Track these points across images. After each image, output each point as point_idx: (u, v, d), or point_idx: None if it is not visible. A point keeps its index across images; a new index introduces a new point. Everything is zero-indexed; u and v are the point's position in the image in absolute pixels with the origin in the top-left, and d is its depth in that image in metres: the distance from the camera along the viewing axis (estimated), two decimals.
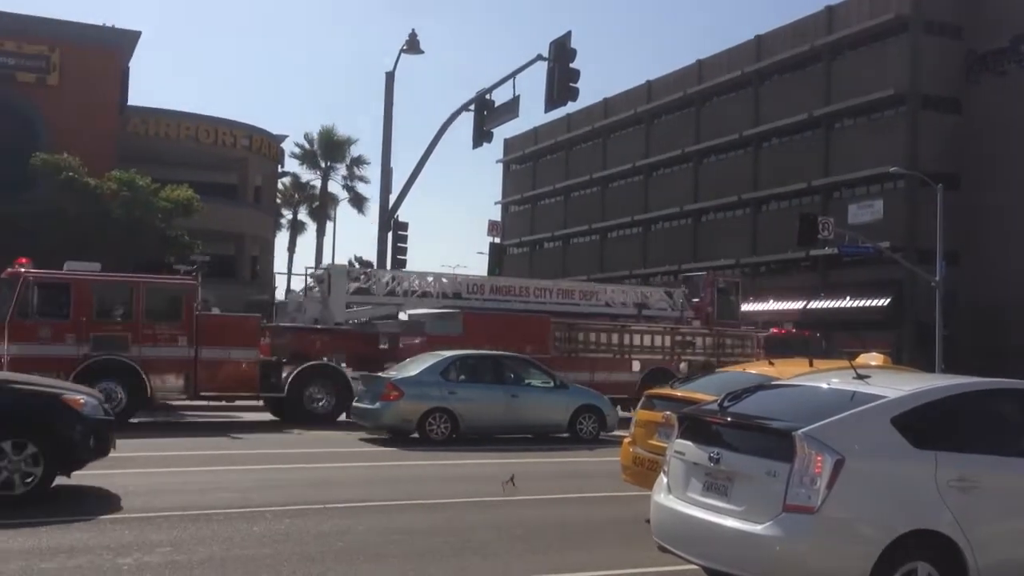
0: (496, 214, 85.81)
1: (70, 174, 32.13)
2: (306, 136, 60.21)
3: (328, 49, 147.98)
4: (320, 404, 20.01)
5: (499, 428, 17.63)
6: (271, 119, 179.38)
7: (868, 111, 52.90)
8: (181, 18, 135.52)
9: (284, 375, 19.99)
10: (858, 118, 53.83)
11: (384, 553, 8.09)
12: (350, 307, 23.68)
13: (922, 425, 6.09)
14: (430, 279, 25.13)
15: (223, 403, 20.28)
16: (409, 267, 29.14)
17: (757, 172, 59.82)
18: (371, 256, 38.66)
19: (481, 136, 27.38)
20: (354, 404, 18.21)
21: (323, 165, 60.47)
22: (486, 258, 37.36)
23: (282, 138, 54.47)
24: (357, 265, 56.04)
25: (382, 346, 22.35)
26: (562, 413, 18.05)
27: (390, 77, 29.68)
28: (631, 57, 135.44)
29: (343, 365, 21.19)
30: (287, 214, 63.50)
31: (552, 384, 18.57)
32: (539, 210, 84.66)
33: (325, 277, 23.38)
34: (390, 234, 29.06)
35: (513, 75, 26.20)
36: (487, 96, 27.30)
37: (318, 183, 61.54)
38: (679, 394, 9.82)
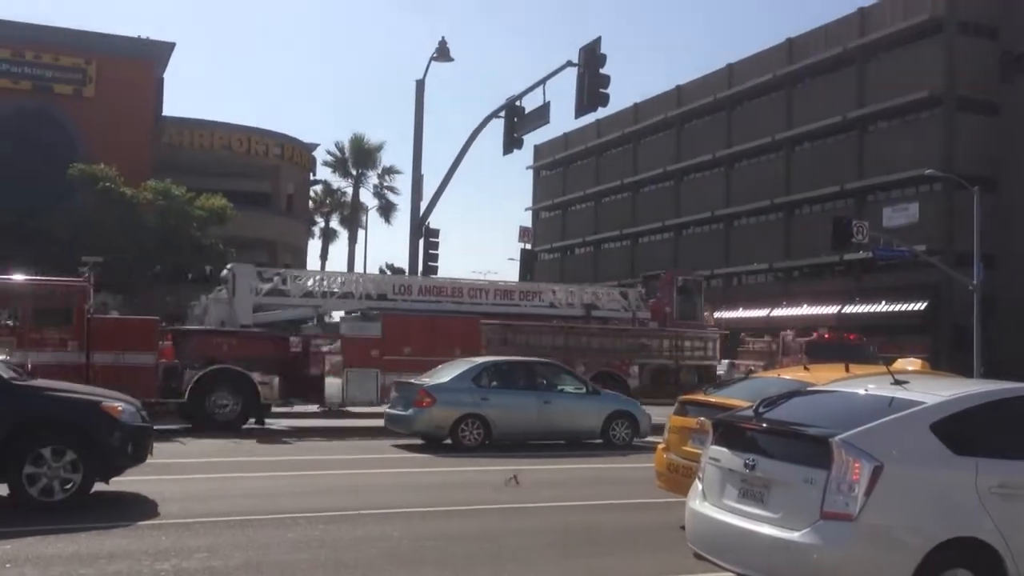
0: (527, 220, 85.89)
1: (107, 184, 32.57)
2: (337, 144, 60.64)
3: (358, 57, 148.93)
4: (224, 410, 19.18)
5: (532, 434, 17.61)
6: (302, 127, 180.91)
7: (902, 113, 52.38)
8: (214, 29, 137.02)
9: (186, 380, 19.19)
10: (892, 120, 53.32)
11: (419, 559, 8.10)
12: (267, 309, 22.76)
13: (962, 431, 6.00)
14: (352, 279, 24.36)
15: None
16: (441, 273, 29.23)
17: (790, 176, 59.42)
18: (403, 263, 38.86)
19: (512, 143, 27.42)
20: (386, 411, 18.25)
21: (354, 173, 60.84)
22: (517, 264, 37.48)
23: (313, 146, 54.90)
24: (389, 272, 56.27)
25: (293, 349, 21.25)
26: (595, 419, 17.99)
27: (420, 85, 29.81)
28: (661, 62, 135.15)
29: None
30: (319, 222, 63.94)
31: (585, 390, 18.52)
32: (570, 216, 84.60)
33: (229, 277, 22.43)
34: (421, 241, 29.18)
35: (543, 81, 26.24)
36: (517, 103, 27.36)
37: (349, 191, 61.96)
38: (713, 400, 9.76)
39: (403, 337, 21.15)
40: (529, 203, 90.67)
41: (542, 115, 26.62)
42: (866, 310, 51.05)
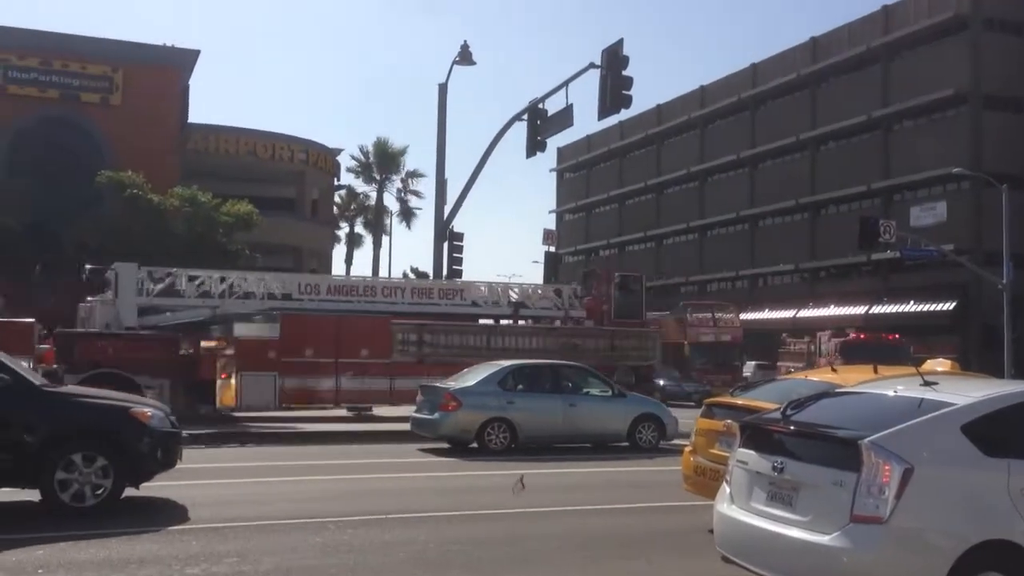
0: (550, 223, 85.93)
1: (134, 191, 32.88)
2: (361, 149, 60.93)
3: (381, 62, 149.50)
4: None
5: (558, 438, 17.60)
6: (326, 133, 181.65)
7: (928, 112, 51.96)
8: (238, 36, 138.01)
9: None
10: (918, 119, 52.90)
11: (447, 563, 8.12)
12: (159, 312, 21.90)
13: (993, 433, 5.93)
14: (254, 279, 23.41)
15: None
16: (465, 277, 29.23)
17: (815, 176, 59.08)
18: (427, 267, 38.96)
19: (535, 146, 27.41)
20: (412, 415, 18.29)
21: (378, 177, 61.10)
22: (541, 267, 37.44)
23: (338, 151, 55.19)
24: (414, 276, 56.39)
25: (183, 351, 20.52)
26: (621, 422, 17.95)
27: (443, 89, 29.89)
28: (684, 62, 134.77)
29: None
30: (344, 226, 64.25)
31: (611, 393, 18.49)
32: (594, 218, 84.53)
33: (112, 277, 21.57)
34: (445, 245, 29.23)
35: (565, 84, 26.22)
36: (540, 105, 27.34)
37: (373, 195, 62.24)
38: (740, 402, 9.72)
39: (304, 338, 20.15)
40: (553, 206, 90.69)
41: (565, 117, 26.60)
42: (894, 310, 50.65)
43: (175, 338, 20.80)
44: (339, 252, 63.08)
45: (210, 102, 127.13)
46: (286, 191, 49.62)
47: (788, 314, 57.36)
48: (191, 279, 22.70)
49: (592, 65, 25.05)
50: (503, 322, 25.19)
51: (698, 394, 33.94)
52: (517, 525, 9.96)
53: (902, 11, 53.86)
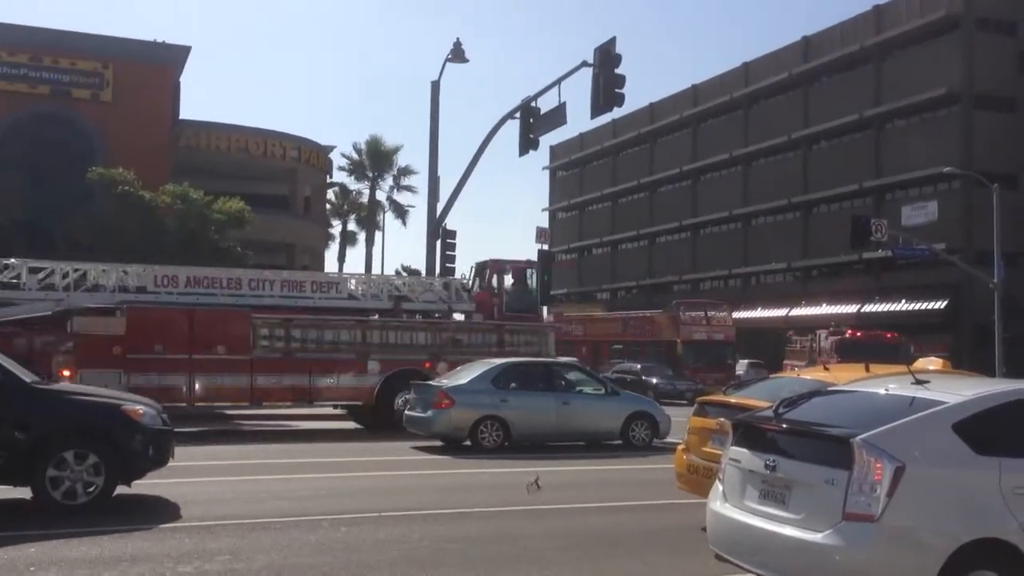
0: (544, 221, 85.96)
1: (126, 188, 32.75)
2: (354, 146, 60.83)
3: (374, 59, 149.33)
4: None
5: (551, 436, 17.61)
6: (319, 130, 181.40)
7: (920, 111, 52.13)
8: (229, 32, 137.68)
9: None
10: (910, 118, 53.07)
11: (440, 562, 8.11)
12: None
13: (985, 431, 5.96)
14: (103, 270, 22.00)
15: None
16: (457, 275, 29.19)
17: (807, 174, 59.22)
18: (420, 265, 38.92)
19: (528, 144, 27.40)
20: (406, 412, 18.28)
21: (371, 175, 61.01)
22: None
23: (330, 148, 55.02)
24: (406, 274, 56.28)
25: (18, 348, 19.18)
26: (614, 420, 17.97)
27: (435, 86, 29.86)
28: (677, 61, 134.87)
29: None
30: (336, 224, 64.15)
31: (604, 391, 18.53)
32: (587, 216, 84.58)
33: None
34: (438, 242, 29.21)
35: (558, 82, 26.22)
36: (533, 103, 27.34)
37: (366, 193, 62.14)
38: (733, 401, 9.74)
39: (153, 333, 18.72)
40: (546, 204, 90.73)
41: (558, 116, 26.59)
42: (886, 309, 50.81)
43: (8, 333, 19.57)
44: (332, 250, 62.99)
45: (202, 99, 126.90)
46: (278, 188, 49.48)
47: (780, 313, 57.51)
48: (33, 271, 21.24)
49: (585, 63, 25.04)
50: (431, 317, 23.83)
51: (691, 392, 34.01)
52: (510, 523, 9.97)
53: (894, 11, 54.00)
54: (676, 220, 70.29)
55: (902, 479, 5.58)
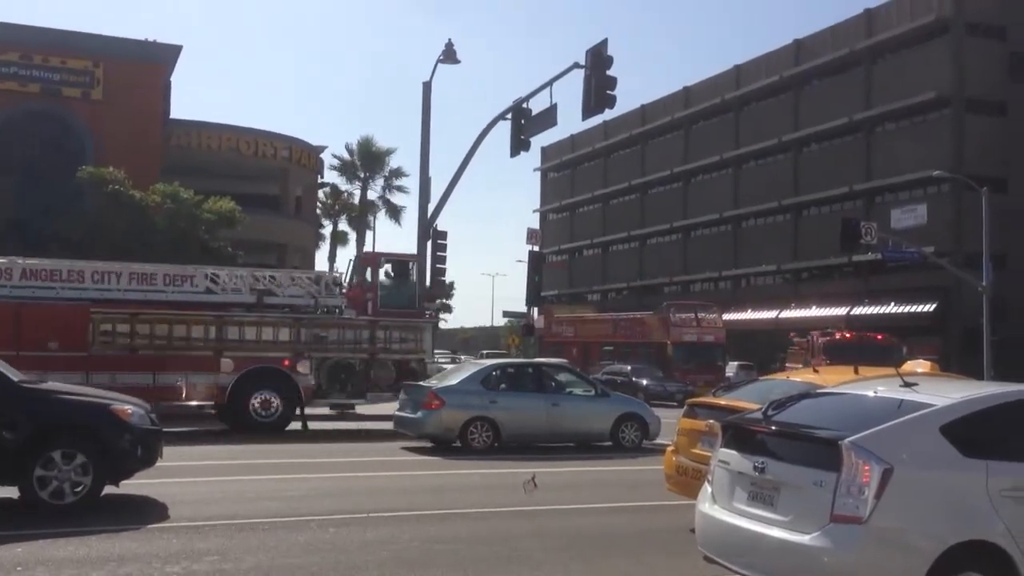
0: (535, 222, 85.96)
1: (116, 187, 32.64)
2: (346, 146, 60.77)
3: (365, 60, 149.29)
4: None
5: (541, 437, 17.62)
6: (310, 130, 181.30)
7: (910, 114, 52.34)
8: (221, 32, 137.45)
9: None
10: (900, 122, 53.27)
11: (430, 563, 8.11)
12: None
13: (972, 434, 5.99)
14: None
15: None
16: (449, 276, 29.16)
17: (798, 177, 59.40)
18: None
19: (519, 145, 27.36)
20: (395, 413, 18.26)
21: (362, 176, 60.96)
22: (525, 266, 37.44)
23: (321, 149, 54.95)
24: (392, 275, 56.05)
25: None
26: (604, 421, 17.99)
27: (427, 87, 29.81)
28: (668, 63, 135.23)
29: None
30: (327, 224, 64.04)
31: (594, 392, 18.56)
32: (577, 218, 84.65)
33: None
34: (429, 243, 29.18)
35: (550, 83, 26.17)
36: (524, 105, 27.29)
37: (357, 193, 62.05)
38: (722, 402, 9.76)
39: None
40: (537, 205, 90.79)
41: (549, 117, 26.56)
42: (875, 311, 50.99)
43: None
44: (323, 250, 62.88)
45: (193, 98, 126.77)
46: (269, 188, 49.37)
47: (770, 315, 57.65)
48: None
49: (576, 65, 25.02)
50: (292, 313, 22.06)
51: (681, 394, 34.04)
52: (500, 524, 9.96)
53: (885, 14, 54.20)
54: (667, 222, 70.43)
55: (890, 481, 5.61)
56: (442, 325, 63.45)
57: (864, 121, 54.35)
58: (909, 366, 10.75)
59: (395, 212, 62.07)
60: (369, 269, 23.99)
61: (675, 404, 31.11)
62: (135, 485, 10.72)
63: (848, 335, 34.35)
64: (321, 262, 62.86)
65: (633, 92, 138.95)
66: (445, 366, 36.28)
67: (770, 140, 60.55)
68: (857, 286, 53.72)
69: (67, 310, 18.99)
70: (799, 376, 10.40)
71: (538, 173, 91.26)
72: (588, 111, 24.93)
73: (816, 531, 5.72)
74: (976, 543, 5.69)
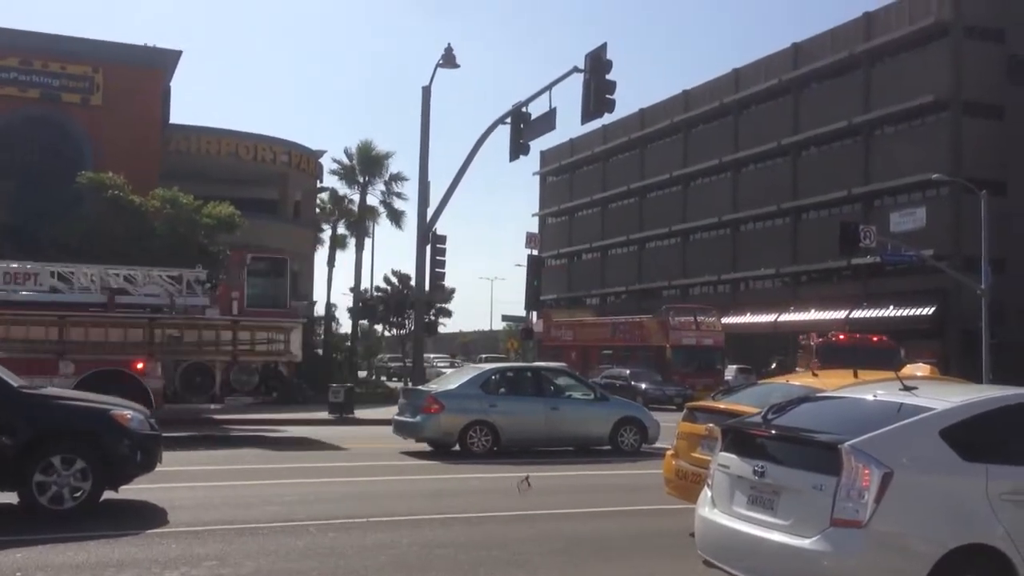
0: (533, 226, 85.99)
1: (115, 192, 32.65)
2: (345, 151, 60.72)
3: (364, 64, 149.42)
4: None
5: (540, 441, 17.62)
6: (309, 135, 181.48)
7: (909, 118, 52.39)
8: (220, 37, 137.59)
9: None
10: (899, 125, 53.33)
11: (428, 567, 8.10)
12: None
13: (972, 437, 5.99)
14: None
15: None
16: (448, 280, 29.16)
17: (796, 181, 59.45)
18: (410, 270, 38.88)
19: (518, 149, 27.42)
20: (395, 417, 18.26)
21: (361, 180, 60.91)
22: (524, 270, 37.46)
23: (320, 153, 54.92)
24: (395, 279, 56.14)
25: None
26: (603, 425, 17.99)
27: (426, 91, 29.86)
28: (667, 67, 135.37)
29: None
30: (327, 229, 63.98)
31: (593, 396, 18.56)
32: (577, 221, 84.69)
33: None
34: (428, 248, 29.21)
35: (549, 88, 26.24)
36: (523, 109, 27.35)
37: (356, 198, 61.99)
38: (722, 406, 9.75)
39: None
40: (536, 209, 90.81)
41: (548, 121, 26.61)
42: (874, 315, 50.98)
43: None
44: (321, 254, 62.81)
45: (192, 103, 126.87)
46: (268, 193, 49.32)
47: (770, 318, 57.66)
48: None
49: (576, 69, 25.07)
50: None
51: (680, 397, 34.02)
52: (499, 528, 9.96)
53: (884, 18, 54.27)
54: (666, 226, 70.46)
55: (890, 485, 5.60)
56: (441, 329, 63.27)
57: (863, 124, 54.39)
58: (908, 370, 10.71)
59: (396, 216, 62.04)
60: (236, 267, 22.80)
61: (674, 408, 31.11)
62: (134, 490, 10.72)
63: (842, 337, 34.07)
64: (320, 267, 62.95)
65: (632, 96, 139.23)
66: (444, 370, 36.30)
67: (769, 144, 60.60)
68: (856, 289, 53.74)
69: None
70: (798, 380, 10.39)
71: (537, 177, 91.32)
72: (587, 115, 24.98)
73: (816, 535, 5.72)
74: (976, 547, 5.68)
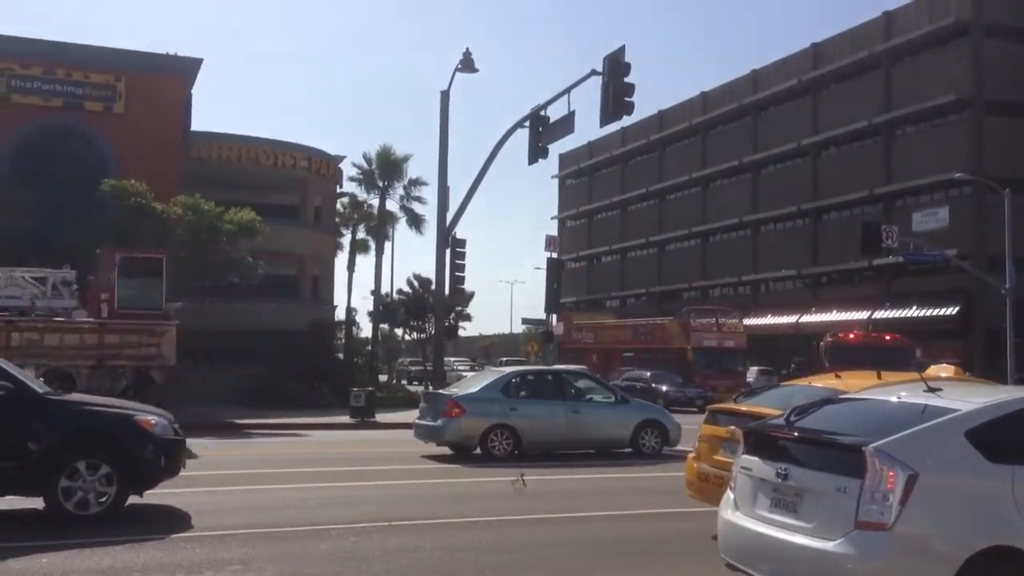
0: (553, 229, 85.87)
1: (138, 200, 32.90)
2: (364, 156, 60.88)
3: (383, 70, 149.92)
4: None
5: (561, 444, 17.61)
6: (329, 140, 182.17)
7: (930, 117, 51.98)
8: (240, 45, 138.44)
9: None
10: (920, 124, 52.92)
11: (452, 571, 8.11)
12: None
13: (997, 439, 5.93)
14: None
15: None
16: (468, 284, 29.19)
17: (817, 181, 59.09)
18: (431, 274, 38.95)
19: (537, 152, 27.42)
20: (416, 421, 18.30)
21: (381, 185, 61.05)
22: (544, 273, 37.48)
23: (340, 159, 55.15)
24: (416, 283, 56.27)
25: None
26: (624, 428, 17.96)
27: (445, 96, 29.91)
28: (685, 69, 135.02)
29: None
30: (346, 234, 64.16)
31: (613, 399, 18.53)
32: (596, 224, 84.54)
33: None
34: (448, 251, 29.25)
35: (567, 91, 26.24)
36: (542, 112, 27.36)
37: (376, 202, 62.13)
38: (744, 409, 9.72)
39: None
40: (555, 212, 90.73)
41: (567, 124, 26.62)
42: (897, 315, 50.59)
43: None
44: (342, 259, 63.02)
45: (213, 110, 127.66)
46: (289, 198, 49.57)
47: (791, 320, 57.35)
48: None
49: (594, 72, 25.07)
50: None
51: (701, 400, 33.90)
52: (522, 532, 9.96)
53: (903, 17, 53.89)
54: (685, 227, 70.21)
55: (915, 487, 5.56)
56: (461, 333, 63.27)
57: (883, 124, 54.02)
58: (933, 371, 10.62)
59: (416, 221, 62.16)
60: (107, 267, 22.17)
61: (695, 410, 31.00)
62: (158, 495, 10.79)
63: (852, 336, 33.33)
64: (340, 272, 63.09)
65: (651, 98, 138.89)
66: (465, 374, 36.33)
67: (789, 144, 60.28)
68: (879, 290, 53.35)
69: None
70: (821, 382, 10.33)
71: (556, 180, 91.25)
72: (606, 118, 24.97)
73: (840, 538, 5.68)
74: (1002, 549, 5.63)
